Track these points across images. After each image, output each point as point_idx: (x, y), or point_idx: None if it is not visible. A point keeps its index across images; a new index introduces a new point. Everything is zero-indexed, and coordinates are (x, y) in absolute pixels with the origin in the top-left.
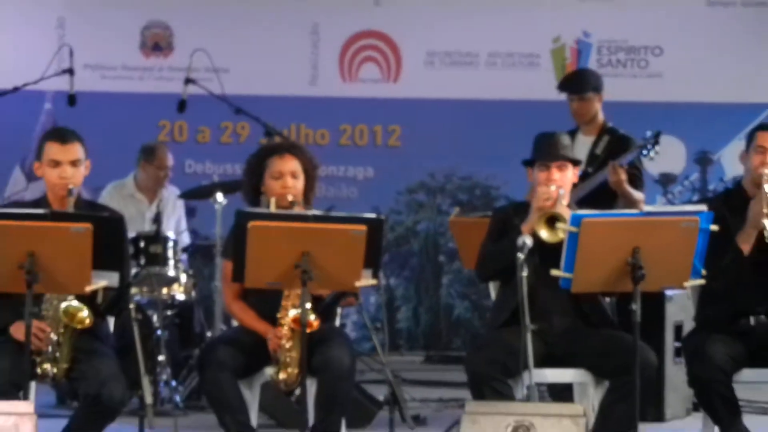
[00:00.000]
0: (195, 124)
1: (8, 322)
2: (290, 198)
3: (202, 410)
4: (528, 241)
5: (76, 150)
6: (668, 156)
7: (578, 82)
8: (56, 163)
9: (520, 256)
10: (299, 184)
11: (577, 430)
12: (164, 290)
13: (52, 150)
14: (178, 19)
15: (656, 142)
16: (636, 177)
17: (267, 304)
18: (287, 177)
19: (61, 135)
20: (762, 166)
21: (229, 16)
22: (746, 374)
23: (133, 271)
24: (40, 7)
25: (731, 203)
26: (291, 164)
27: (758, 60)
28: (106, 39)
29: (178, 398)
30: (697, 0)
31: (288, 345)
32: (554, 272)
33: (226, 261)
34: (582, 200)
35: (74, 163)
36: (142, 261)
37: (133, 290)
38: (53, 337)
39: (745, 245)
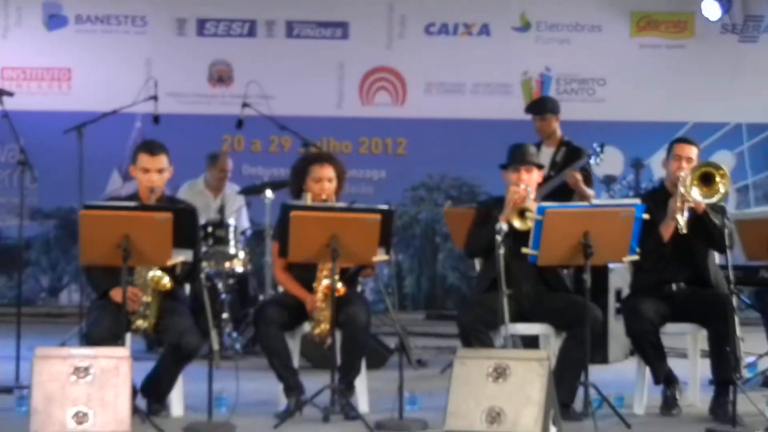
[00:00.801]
0: (250, 138)
1: (109, 288)
2: (323, 197)
3: (256, 355)
4: (504, 227)
5: (162, 160)
6: (610, 162)
7: (539, 106)
8: (146, 170)
9: (498, 238)
10: (333, 185)
11: (542, 370)
12: (227, 264)
13: (143, 160)
14: (237, 58)
15: (602, 151)
16: (587, 178)
17: (306, 275)
18: (325, 181)
19: (150, 148)
20: (678, 171)
21: (276, 56)
22: (670, 327)
23: (203, 249)
24: (133, 50)
25: (656, 199)
26: (328, 171)
27: (678, 89)
28: (182, 73)
29: (238, 346)
30: (632, 43)
31: (322, 306)
32: (524, 250)
33: (274, 242)
34: (545, 196)
35: (160, 171)
36: (210, 242)
37: (204, 264)
38: (144, 299)
39: (666, 234)
